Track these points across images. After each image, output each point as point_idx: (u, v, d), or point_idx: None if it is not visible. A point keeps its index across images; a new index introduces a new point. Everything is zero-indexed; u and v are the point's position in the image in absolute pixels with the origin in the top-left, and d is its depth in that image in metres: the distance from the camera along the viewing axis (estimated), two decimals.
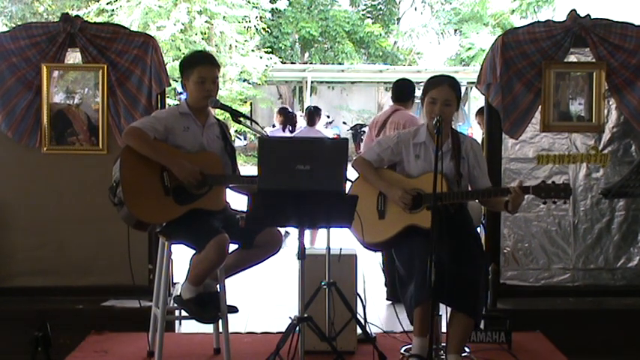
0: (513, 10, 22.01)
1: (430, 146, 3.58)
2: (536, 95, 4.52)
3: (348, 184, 3.52)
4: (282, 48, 22.88)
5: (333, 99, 24.93)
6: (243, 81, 18.42)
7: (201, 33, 17.11)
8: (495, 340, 3.93)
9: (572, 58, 4.62)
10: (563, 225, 4.69)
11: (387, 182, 3.61)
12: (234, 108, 3.69)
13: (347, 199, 3.14)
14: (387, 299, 5.38)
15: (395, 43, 25.89)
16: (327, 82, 24.03)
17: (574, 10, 4.51)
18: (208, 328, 3.93)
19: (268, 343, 3.74)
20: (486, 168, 3.70)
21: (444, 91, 3.50)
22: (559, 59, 4.52)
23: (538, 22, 4.68)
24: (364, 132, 22.15)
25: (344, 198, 3.12)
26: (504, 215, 4.59)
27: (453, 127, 3.80)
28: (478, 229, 4.30)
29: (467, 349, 3.73)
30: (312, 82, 21.83)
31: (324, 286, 3.59)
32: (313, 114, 7.85)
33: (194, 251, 3.48)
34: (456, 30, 24.77)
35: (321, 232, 4.27)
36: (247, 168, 17.88)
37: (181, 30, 16.48)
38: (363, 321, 3.80)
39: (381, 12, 26.26)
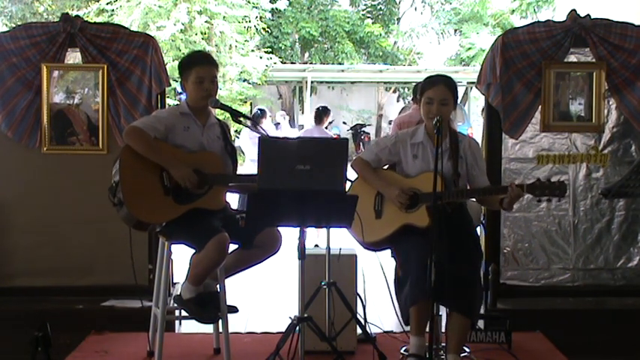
0: (513, 10, 21.98)
1: (428, 146, 3.59)
2: (536, 95, 4.52)
3: (348, 184, 3.52)
4: (282, 48, 22.88)
5: (333, 99, 24.91)
6: (243, 81, 18.42)
7: (201, 33, 17.10)
8: (495, 340, 3.93)
9: (572, 58, 4.62)
10: (563, 225, 4.69)
11: (385, 182, 3.62)
12: (234, 108, 3.69)
13: (347, 199, 3.14)
14: None
15: (395, 43, 25.88)
16: (327, 82, 24.02)
17: (574, 10, 4.51)
18: (208, 328, 3.93)
19: (268, 343, 3.74)
20: (485, 167, 3.71)
21: (440, 90, 3.51)
22: (559, 59, 4.52)
23: (538, 22, 4.69)
24: (364, 132, 22.19)
25: (344, 198, 3.12)
26: (504, 215, 4.60)
27: (453, 126, 3.80)
28: (478, 229, 4.30)
29: (467, 349, 3.73)
30: (312, 82, 21.81)
31: (324, 286, 3.59)
32: (321, 113, 8.14)
33: (194, 251, 3.49)
34: (456, 30, 24.75)
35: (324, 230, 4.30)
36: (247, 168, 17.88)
37: (181, 30, 16.47)
38: (363, 321, 3.80)
39: (381, 12, 26.25)
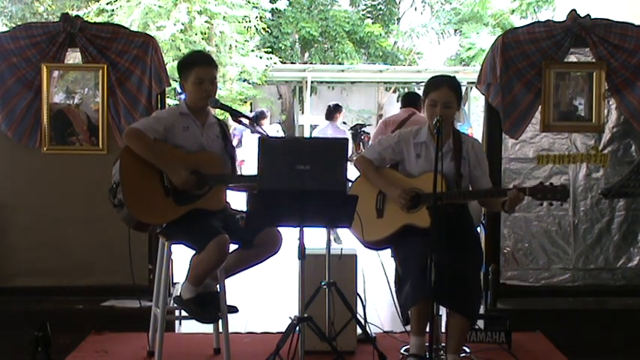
0: (513, 10, 21.98)
1: (431, 146, 3.58)
2: (536, 95, 4.52)
3: (348, 184, 3.52)
4: (282, 48, 22.87)
5: (333, 99, 24.81)
6: (243, 81, 18.41)
7: (201, 33, 17.09)
8: (495, 340, 3.93)
9: (572, 58, 4.62)
10: (563, 225, 4.69)
11: (387, 181, 3.61)
12: (234, 108, 3.69)
13: (347, 199, 3.14)
14: None
15: (395, 43, 25.87)
16: (327, 82, 24.01)
17: (574, 10, 4.51)
18: (208, 328, 3.93)
19: (268, 343, 3.73)
20: (487, 169, 3.69)
21: (444, 93, 3.50)
22: (559, 59, 4.52)
23: (538, 22, 4.69)
24: (364, 132, 22.18)
25: (344, 198, 3.12)
26: (504, 215, 4.60)
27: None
28: (478, 229, 4.30)
29: (467, 349, 3.73)
30: (312, 82, 21.79)
31: (324, 286, 3.59)
32: (333, 110, 8.78)
33: (194, 251, 3.48)
34: (456, 30, 24.74)
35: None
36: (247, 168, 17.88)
37: (181, 30, 16.45)
38: (363, 321, 3.80)
39: (381, 12, 26.24)
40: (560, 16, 6.24)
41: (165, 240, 3.59)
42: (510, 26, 17.63)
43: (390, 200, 3.58)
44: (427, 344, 3.20)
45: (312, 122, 21.33)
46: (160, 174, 3.44)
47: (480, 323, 4.05)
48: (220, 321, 3.59)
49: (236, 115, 3.60)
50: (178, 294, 3.53)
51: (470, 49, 22.69)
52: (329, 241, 3.61)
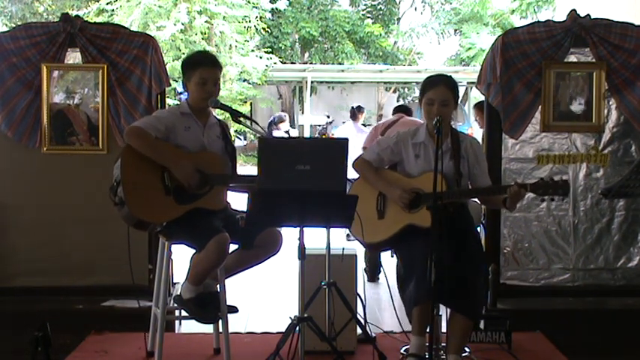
0: (513, 10, 21.96)
1: (429, 146, 3.58)
2: (536, 95, 4.52)
3: (348, 184, 3.52)
4: (282, 48, 22.86)
5: (333, 99, 24.91)
6: (243, 81, 18.41)
7: (201, 33, 17.09)
8: (495, 340, 3.93)
9: (572, 58, 4.62)
10: (563, 225, 4.69)
11: (387, 182, 3.61)
12: (234, 108, 3.69)
13: (347, 199, 3.14)
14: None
15: (395, 43, 25.86)
16: (327, 82, 24.00)
17: (574, 10, 4.51)
18: (208, 328, 3.93)
19: (268, 343, 3.74)
20: (487, 167, 3.70)
21: (441, 91, 3.50)
22: (559, 59, 4.52)
23: (538, 22, 4.69)
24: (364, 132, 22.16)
25: (344, 198, 3.12)
26: (504, 215, 4.60)
27: (453, 126, 3.79)
28: (478, 229, 4.30)
29: (467, 349, 3.73)
30: (312, 82, 21.78)
31: (324, 286, 3.59)
32: (356, 111, 9.76)
33: (194, 251, 3.48)
34: (456, 30, 24.73)
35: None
36: (247, 168, 17.88)
37: (181, 30, 16.45)
38: (363, 321, 3.80)
39: (381, 12, 26.23)
40: (560, 16, 6.24)
41: (166, 239, 3.60)
42: (510, 26, 17.64)
43: (391, 201, 3.58)
44: (427, 344, 3.21)
45: (312, 122, 21.34)
46: (161, 172, 3.44)
47: (480, 323, 4.05)
48: (220, 321, 3.59)
49: (236, 115, 3.60)
50: (178, 294, 3.53)
51: (470, 49, 22.67)
52: (329, 241, 3.61)
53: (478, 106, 6.65)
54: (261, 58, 18.34)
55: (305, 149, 3.12)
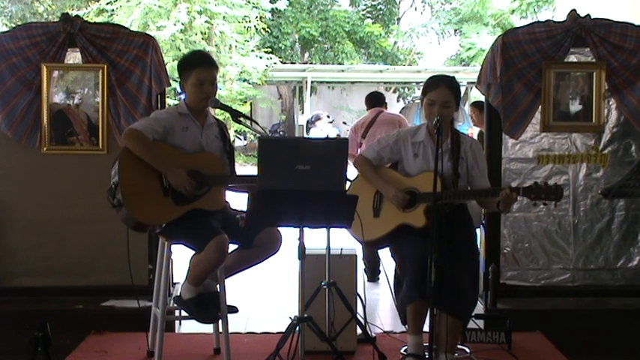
0: (513, 10, 21.98)
1: (429, 145, 3.58)
2: (536, 95, 4.52)
3: (348, 184, 3.52)
4: (282, 48, 22.86)
5: (333, 99, 24.91)
6: (243, 81, 18.41)
7: (201, 33, 17.10)
8: (495, 340, 3.93)
9: (572, 58, 4.62)
10: (563, 225, 4.68)
11: (383, 180, 3.62)
12: (234, 108, 3.69)
13: (347, 199, 3.14)
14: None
15: (395, 43, 25.87)
16: (327, 82, 24.01)
17: (574, 10, 4.51)
18: (208, 328, 3.93)
19: (268, 343, 3.74)
20: (486, 169, 3.69)
21: (442, 92, 3.50)
22: (559, 59, 4.52)
23: (538, 22, 4.68)
24: None
25: (344, 198, 3.12)
26: (504, 215, 4.60)
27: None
28: (478, 230, 4.30)
29: (467, 349, 3.73)
30: (312, 82, 21.79)
31: (324, 286, 3.59)
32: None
33: (194, 251, 3.48)
34: (456, 30, 24.74)
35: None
36: (247, 168, 17.88)
37: (181, 30, 16.47)
38: (363, 321, 3.81)
39: (381, 12, 26.25)
40: (560, 16, 6.25)
41: (165, 240, 3.59)
42: (510, 26, 17.64)
43: (387, 200, 3.59)
44: (427, 344, 3.20)
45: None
46: (159, 174, 3.43)
47: (480, 323, 4.05)
48: (220, 321, 3.59)
49: (236, 115, 3.60)
50: (178, 294, 3.53)
51: (470, 49, 22.69)
52: (329, 241, 3.61)
53: (475, 104, 6.67)
54: (261, 58, 18.35)
55: (305, 149, 3.11)
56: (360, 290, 3.87)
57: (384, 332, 4.25)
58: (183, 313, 3.64)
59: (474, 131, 16.00)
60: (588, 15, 4.50)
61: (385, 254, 4.06)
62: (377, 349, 3.62)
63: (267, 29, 20.35)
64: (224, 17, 17.19)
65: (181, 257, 4.00)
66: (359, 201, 3.12)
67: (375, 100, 6.27)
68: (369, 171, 3.68)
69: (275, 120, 24.59)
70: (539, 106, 4.54)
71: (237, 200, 3.61)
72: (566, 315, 4.40)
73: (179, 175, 3.40)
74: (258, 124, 3.70)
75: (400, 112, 12.23)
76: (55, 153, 4.52)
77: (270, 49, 20.14)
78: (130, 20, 15.99)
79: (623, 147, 4.66)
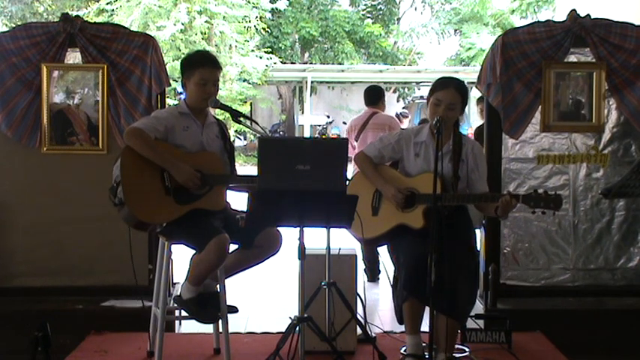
0: (513, 10, 21.99)
1: (430, 146, 3.58)
2: (536, 95, 4.52)
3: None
4: (282, 48, 22.87)
5: (333, 99, 24.92)
6: (243, 81, 18.42)
7: (201, 33, 17.11)
8: (495, 340, 3.93)
9: (572, 58, 4.62)
10: (563, 225, 4.68)
11: (383, 179, 3.61)
12: (234, 108, 3.69)
13: (347, 199, 3.14)
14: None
15: (395, 43, 25.88)
16: (327, 82, 24.03)
17: (574, 10, 4.51)
18: (208, 328, 3.93)
19: (268, 343, 3.74)
20: (486, 173, 3.68)
21: (450, 94, 3.50)
22: (559, 59, 4.52)
23: (538, 22, 4.68)
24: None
25: (344, 198, 3.12)
26: None
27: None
28: (478, 230, 4.29)
29: (467, 349, 3.73)
30: (312, 82, 21.81)
31: (324, 286, 3.59)
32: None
33: (194, 251, 3.48)
34: (456, 30, 24.75)
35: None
36: (247, 168, 17.88)
37: (181, 30, 16.48)
38: (363, 321, 3.81)
39: (381, 12, 26.25)
40: (560, 16, 6.24)
41: (166, 239, 3.60)
42: (510, 26, 17.64)
43: (386, 199, 3.59)
44: (426, 344, 3.20)
45: (312, 122, 21.33)
46: (161, 173, 3.44)
47: (480, 323, 4.05)
48: (220, 321, 3.59)
49: (236, 115, 3.60)
50: (178, 294, 3.53)
51: (470, 49, 22.70)
52: (329, 241, 3.61)
53: (482, 99, 6.66)
54: (261, 58, 18.36)
55: (305, 149, 3.11)
56: (360, 290, 3.87)
57: (384, 332, 4.25)
58: (184, 313, 3.64)
59: (472, 132, 16.02)
60: (588, 15, 4.50)
61: (385, 254, 4.06)
62: (377, 349, 3.62)
63: (267, 29, 20.36)
64: (224, 17, 17.20)
65: (181, 257, 4.00)
66: (359, 198, 3.12)
67: (373, 96, 6.21)
68: (369, 169, 3.68)
69: (275, 120, 24.59)
70: (539, 106, 4.54)
71: (238, 200, 3.61)
72: (566, 315, 4.40)
73: (185, 169, 3.40)
74: (258, 124, 3.71)
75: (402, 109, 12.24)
76: (55, 153, 4.52)
77: (270, 49, 20.14)
78: (130, 20, 16.00)
79: (623, 147, 4.66)
